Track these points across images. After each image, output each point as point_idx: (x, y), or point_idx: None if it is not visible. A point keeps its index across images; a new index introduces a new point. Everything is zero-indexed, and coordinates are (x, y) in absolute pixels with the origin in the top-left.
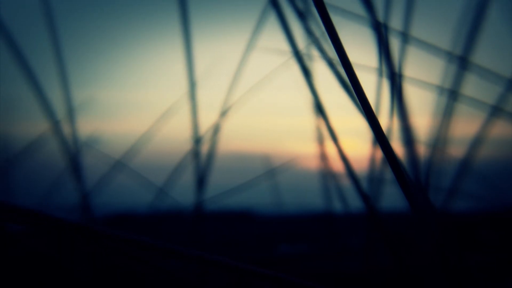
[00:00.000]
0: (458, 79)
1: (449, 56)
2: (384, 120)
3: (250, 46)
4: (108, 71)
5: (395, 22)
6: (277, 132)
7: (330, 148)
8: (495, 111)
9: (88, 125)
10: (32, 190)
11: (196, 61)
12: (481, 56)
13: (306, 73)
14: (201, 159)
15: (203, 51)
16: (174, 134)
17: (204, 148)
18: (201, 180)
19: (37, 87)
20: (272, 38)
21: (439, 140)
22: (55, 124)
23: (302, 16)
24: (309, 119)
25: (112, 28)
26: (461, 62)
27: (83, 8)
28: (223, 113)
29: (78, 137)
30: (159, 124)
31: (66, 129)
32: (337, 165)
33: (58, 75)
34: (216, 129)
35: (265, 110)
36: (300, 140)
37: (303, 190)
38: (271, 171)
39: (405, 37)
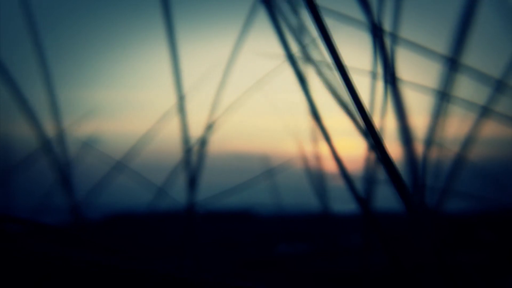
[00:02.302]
0: (450, 81)
1: (441, 58)
2: (378, 120)
3: (237, 48)
4: (108, 72)
5: (390, 25)
6: (275, 132)
7: (325, 149)
8: (487, 112)
9: (88, 126)
10: (30, 192)
11: (188, 66)
12: (472, 58)
13: (300, 74)
14: (192, 163)
15: (196, 55)
16: (174, 134)
17: (196, 151)
18: (192, 183)
19: (20, 91)
20: (266, 41)
21: (434, 140)
22: (53, 126)
23: (295, 17)
24: (307, 120)
25: (112, 29)
26: (453, 64)
27: (84, 9)
28: (210, 126)
29: (72, 139)
30: (159, 124)
31: (61, 131)
32: (331, 165)
33: (43, 78)
34: (203, 141)
35: (264, 110)
36: (299, 140)
37: (301, 190)
38: (269, 171)
39: (399, 40)
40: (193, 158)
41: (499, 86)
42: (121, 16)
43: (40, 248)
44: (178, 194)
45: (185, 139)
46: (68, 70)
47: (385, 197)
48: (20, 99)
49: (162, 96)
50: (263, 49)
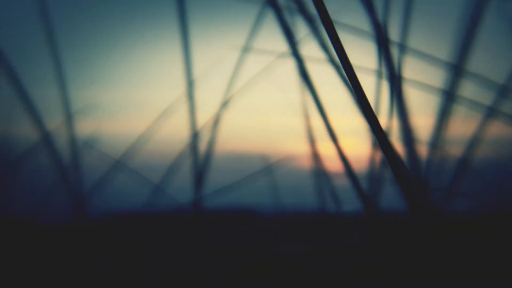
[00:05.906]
0: (455, 82)
1: (446, 64)
2: (384, 120)
3: (247, 46)
4: (107, 72)
5: (395, 27)
6: (275, 132)
7: (330, 148)
8: (491, 112)
9: (88, 125)
10: (31, 191)
11: (194, 61)
12: (477, 63)
13: (305, 73)
14: (199, 156)
15: (202, 50)
16: (173, 133)
17: (202, 146)
18: (199, 178)
19: (25, 90)
20: (271, 38)
21: (438, 140)
22: (55, 126)
23: (302, 16)
24: (307, 119)
25: (111, 29)
26: (457, 68)
27: (82, 9)
28: (219, 114)
29: (76, 138)
30: (158, 123)
31: (64, 130)
32: (336, 164)
33: (56, 76)
34: (214, 125)
35: (263, 109)
36: (300, 140)
37: (302, 190)
38: (269, 170)
39: (404, 41)
40: (200, 150)
41: (503, 92)
42: (120, 17)
43: (40, 248)
44: (178, 193)
45: (193, 127)
46: (67, 69)
47: (389, 196)
48: (22, 95)
49: (162, 95)
50: (264, 47)
